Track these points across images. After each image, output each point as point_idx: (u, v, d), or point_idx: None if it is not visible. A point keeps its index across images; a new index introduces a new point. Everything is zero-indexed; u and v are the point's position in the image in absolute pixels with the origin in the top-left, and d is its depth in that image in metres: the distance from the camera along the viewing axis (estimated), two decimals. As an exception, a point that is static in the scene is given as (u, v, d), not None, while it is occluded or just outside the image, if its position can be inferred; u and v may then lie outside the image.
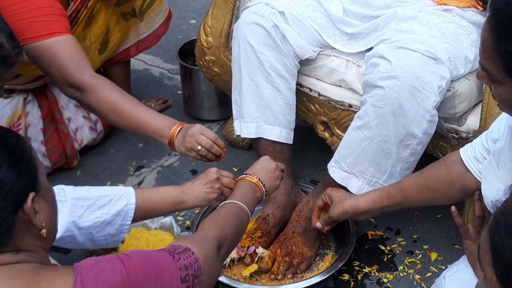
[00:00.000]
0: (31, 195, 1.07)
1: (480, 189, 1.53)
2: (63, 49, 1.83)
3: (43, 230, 1.09)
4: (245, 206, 1.47)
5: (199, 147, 1.71)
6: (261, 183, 1.59)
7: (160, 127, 1.76)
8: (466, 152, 1.56)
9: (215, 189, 1.62)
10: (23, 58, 1.62)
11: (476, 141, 1.55)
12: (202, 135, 1.71)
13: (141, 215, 1.58)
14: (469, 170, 1.54)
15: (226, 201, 1.48)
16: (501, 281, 0.96)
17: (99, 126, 2.37)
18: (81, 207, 1.49)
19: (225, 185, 1.63)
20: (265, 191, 1.60)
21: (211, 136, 1.72)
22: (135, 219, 1.57)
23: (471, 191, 1.55)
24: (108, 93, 1.80)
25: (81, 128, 2.32)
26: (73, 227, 1.47)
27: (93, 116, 2.35)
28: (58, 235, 1.25)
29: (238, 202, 1.47)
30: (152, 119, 1.77)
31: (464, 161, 1.55)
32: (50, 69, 1.86)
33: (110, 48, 2.30)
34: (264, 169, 1.62)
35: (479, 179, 1.51)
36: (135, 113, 1.78)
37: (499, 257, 0.96)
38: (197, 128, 1.73)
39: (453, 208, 1.53)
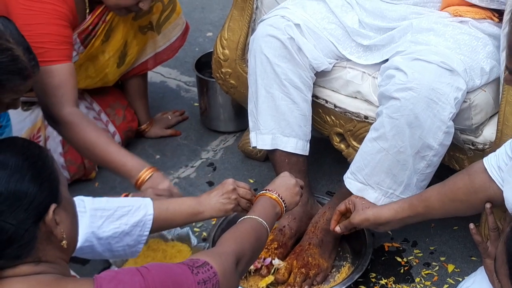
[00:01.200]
0: (53, 206, 1.09)
1: (491, 202, 1.52)
2: (52, 79, 1.88)
3: (64, 242, 1.11)
4: (264, 222, 1.47)
5: None
6: (281, 199, 1.59)
7: (129, 169, 1.83)
8: (490, 162, 1.54)
9: (231, 200, 1.63)
10: (39, 71, 1.65)
11: (500, 150, 1.53)
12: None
13: (159, 226, 1.59)
14: (493, 180, 1.52)
15: (245, 216, 1.49)
16: None
17: (117, 138, 2.39)
18: (100, 217, 1.51)
19: (241, 196, 1.64)
20: (285, 207, 1.60)
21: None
22: (152, 230, 1.58)
23: (497, 202, 1.53)
24: (83, 131, 1.87)
25: (99, 140, 2.35)
26: (92, 238, 1.49)
27: (111, 128, 2.37)
28: (78, 245, 1.27)
29: (257, 217, 1.47)
30: (122, 161, 1.84)
31: (488, 171, 1.53)
32: (38, 95, 1.93)
33: (128, 61, 2.32)
34: (284, 185, 1.63)
35: (502, 188, 1.50)
36: (105, 153, 1.86)
37: None
38: (168, 183, 1.79)
39: (471, 226, 1.51)
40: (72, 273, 1.46)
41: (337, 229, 1.84)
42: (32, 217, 1.07)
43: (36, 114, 2.21)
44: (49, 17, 1.90)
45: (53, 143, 2.26)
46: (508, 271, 0.97)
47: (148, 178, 1.79)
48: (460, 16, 1.89)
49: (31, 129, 2.18)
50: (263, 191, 1.61)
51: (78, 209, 1.22)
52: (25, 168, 1.08)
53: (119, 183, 2.35)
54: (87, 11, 2.08)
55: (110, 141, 1.89)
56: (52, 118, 1.91)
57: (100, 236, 1.49)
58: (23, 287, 1.05)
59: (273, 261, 1.91)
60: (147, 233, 1.56)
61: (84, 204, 1.48)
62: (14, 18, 1.78)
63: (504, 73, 1.27)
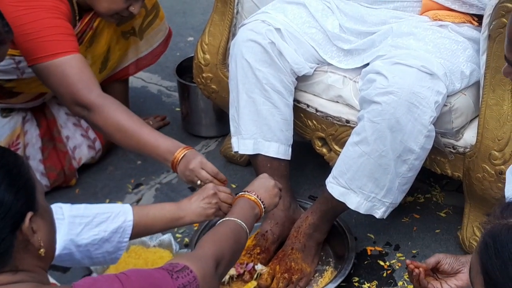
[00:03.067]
0: (29, 214, 1.07)
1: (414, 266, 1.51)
2: (72, 68, 1.85)
3: (42, 250, 1.09)
4: (243, 224, 1.47)
5: (199, 182, 1.69)
6: (260, 200, 1.58)
7: (163, 151, 1.76)
8: None
9: (212, 204, 1.61)
10: (12, 38, 1.63)
11: None
12: (202, 170, 1.69)
13: (139, 232, 1.58)
14: None
15: (224, 219, 1.48)
16: None
17: (98, 144, 2.37)
18: (79, 224, 1.49)
19: (222, 200, 1.63)
20: (264, 208, 1.60)
21: (212, 171, 1.69)
22: (132, 236, 1.57)
23: None
24: (114, 113, 1.81)
25: (80, 146, 2.33)
26: (71, 245, 1.47)
27: (92, 135, 2.35)
28: (56, 253, 1.25)
29: (236, 219, 1.47)
30: (156, 143, 1.77)
31: None
32: (59, 88, 1.87)
33: (109, 66, 2.31)
34: (263, 187, 1.62)
35: None
36: (139, 135, 1.78)
37: (491, 280, 0.96)
38: (197, 162, 1.70)
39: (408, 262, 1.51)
40: (53, 280, 1.45)
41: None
42: (9, 226, 1.05)
43: (16, 120, 2.18)
44: (51, 12, 1.88)
45: (32, 150, 2.23)
46: (483, 280, 0.98)
47: (181, 159, 1.72)
48: (440, 20, 1.90)
49: (10, 136, 2.15)
50: (242, 193, 1.60)
51: (56, 216, 1.20)
52: (0, 176, 1.06)
53: (100, 189, 2.34)
54: (77, 18, 2.06)
55: (142, 123, 1.82)
56: (81, 105, 1.85)
57: (79, 243, 1.48)
58: (0, 296, 1.03)
59: (256, 267, 1.90)
60: (127, 239, 1.54)
61: (62, 211, 1.47)
62: (16, 21, 1.75)
63: (505, 65, 1.24)
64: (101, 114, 1.82)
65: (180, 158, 1.72)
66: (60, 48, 1.84)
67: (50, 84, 1.89)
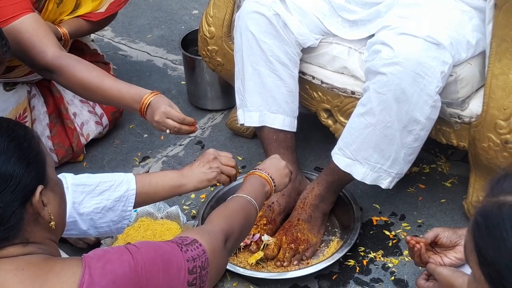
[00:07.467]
0: (39, 188, 1.08)
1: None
2: (22, 34, 1.78)
3: (52, 223, 1.11)
4: (253, 200, 1.47)
5: (168, 131, 1.69)
6: (271, 178, 1.59)
7: (128, 102, 1.74)
8: None
9: (213, 169, 1.61)
10: (10, 56, 1.60)
11: None
12: (168, 120, 1.68)
13: (142, 200, 1.58)
14: None
15: (234, 195, 1.49)
16: (488, 281, 0.97)
17: (105, 120, 2.38)
18: (81, 193, 1.50)
19: (224, 164, 1.63)
20: (274, 186, 1.60)
21: (178, 118, 1.68)
22: (136, 205, 1.57)
23: None
24: (74, 72, 1.78)
25: (87, 122, 2.33)
26: (74, 213, 1.47)
27: (98, 110, 2.36)
28: None
29: (246, 196, 1.47)
30: (120, 94, 1.75)
31: None
32: (18, 55, 1.82)
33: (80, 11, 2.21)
34: (274, 166, 1.63)
35: None
36: (102, 89, 1.76)
37: (484, 259, 0.97)
38: (161, 112, 1.68)
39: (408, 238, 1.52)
40: (63, 254, 1.47)
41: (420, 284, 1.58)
42: (19, 199, 1.06)
43: (20, 94, 2.17)
44: None
45: (40, 126, 2.24)
46: (477, 258, 0.98)
47: (147, 108, 1.71)
48: (445, -11, 1.88)
49: (16, 110, 2.15)
50: (253, 170, 1.61)
51: None
52: (10, 149, 1.07)
53: (107, 163, 2.36)
54: None
55: (103, 76, 1.79)
56: (44, 69, 1.82)
57: (81, 211, 1.48)
58: (11, 268, 1.05)
59: (263, 237, 1.92)
60: (131, 208, 1.54)
61: (66, 180, 1.48)
62: None
63: None
64: (62, 75, 1.79)
65: (146, 107, 1.71)
66: (4, 15, 1.75)
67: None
